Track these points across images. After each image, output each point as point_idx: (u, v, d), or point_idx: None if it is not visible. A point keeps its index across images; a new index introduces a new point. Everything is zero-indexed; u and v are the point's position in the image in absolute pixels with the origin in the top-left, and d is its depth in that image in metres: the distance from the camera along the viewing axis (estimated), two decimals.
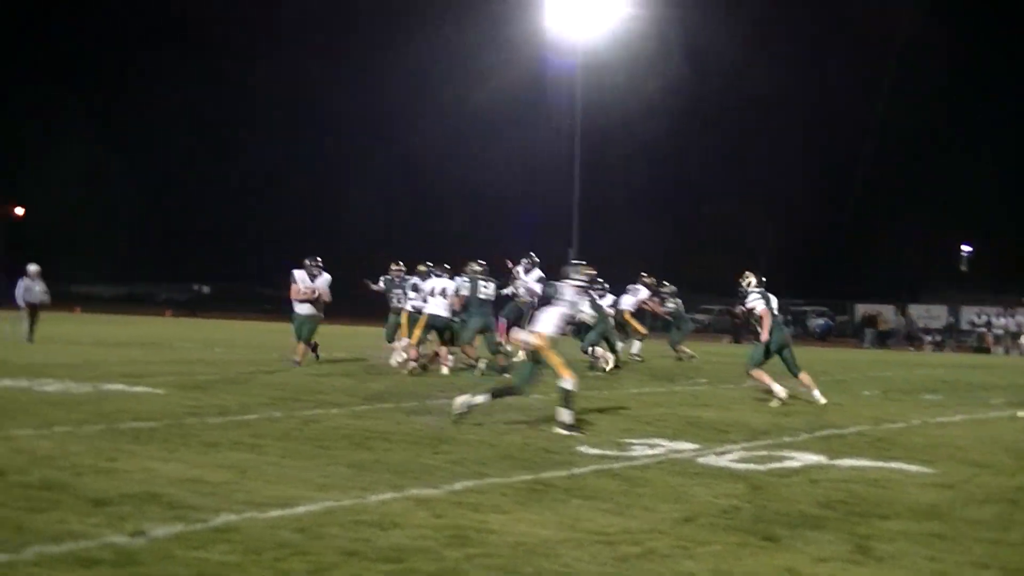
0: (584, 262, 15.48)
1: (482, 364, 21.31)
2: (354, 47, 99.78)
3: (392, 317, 23.91)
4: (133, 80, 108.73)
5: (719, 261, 60.08)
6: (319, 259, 20.79)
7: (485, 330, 21.41)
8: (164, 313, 73.29)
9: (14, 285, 30.78)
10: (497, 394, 13.24)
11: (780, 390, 16.52)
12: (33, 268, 30.02)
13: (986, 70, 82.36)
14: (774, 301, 17.32)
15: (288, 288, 21.68)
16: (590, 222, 59.87)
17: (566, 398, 12.74)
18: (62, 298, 35.13)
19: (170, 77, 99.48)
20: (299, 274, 20.91)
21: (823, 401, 16.57)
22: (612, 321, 24.65)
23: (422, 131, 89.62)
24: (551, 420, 12.86)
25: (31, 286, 30.05)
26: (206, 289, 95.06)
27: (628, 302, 27.38)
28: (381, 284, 25.04)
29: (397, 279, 24.02)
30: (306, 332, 21.46)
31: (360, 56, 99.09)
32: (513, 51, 69.47)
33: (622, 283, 27.94)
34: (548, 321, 13.11)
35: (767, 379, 16.84)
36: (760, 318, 16.98)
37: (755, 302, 17.16)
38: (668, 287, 29.46)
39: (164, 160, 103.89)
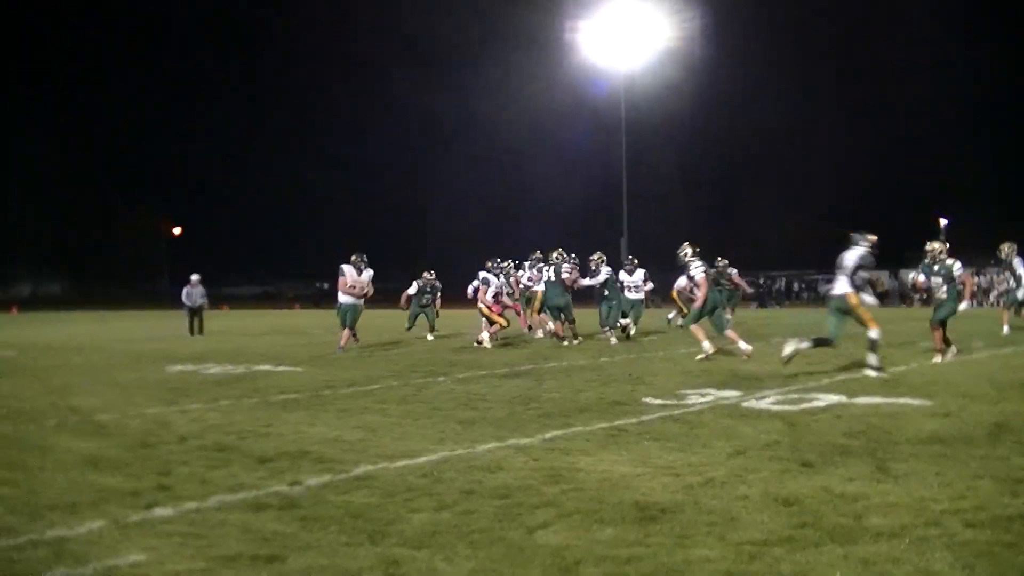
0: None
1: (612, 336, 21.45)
2: (449, 69, 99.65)
3: (415, 309, 25.11)
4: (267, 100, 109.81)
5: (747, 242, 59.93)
6: (365, 256, 20.19)
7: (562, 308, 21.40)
8: (293, 307, 74.04)
9: (178, 290, 31.87)
10: (818, 343, 13.34)
11: (708, 346, 16.51)
12: (195, 277, 30.68)
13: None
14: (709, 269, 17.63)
15: (336, 280, 20.58)
16: (639, 211, 59.43)
17: (872, 346, 13.19)
18: (213, 299, 35.53)
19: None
20: (347, 268, 20.07)
21: (748, 348, 16.62)
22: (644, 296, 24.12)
23: (496, 142, 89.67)
24: (617, 379, 12.97)
25: (192, 291, 30.57)
26: (326, 286, 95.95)
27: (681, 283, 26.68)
28: (414, 287, 25.08)
29: (428, 286, 25.02)
30: (351, 319, 20.28)
31: (453, 78, 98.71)
32: (562, 75, 69.09)
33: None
34: (844, 283, 13.40)
35: (701, 335, 16.69)
36: (699, 285, 16.80)
37: (696, 271, 16.97)
38: (722, 262, 26.35)
39: (290, 179, 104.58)
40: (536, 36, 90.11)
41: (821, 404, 10.48)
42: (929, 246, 15.64)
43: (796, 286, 66.34)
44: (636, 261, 23.75)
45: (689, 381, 13.10)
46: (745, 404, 10.75)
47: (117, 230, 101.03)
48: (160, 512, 6.24)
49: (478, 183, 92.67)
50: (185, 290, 30.81)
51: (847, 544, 5.18)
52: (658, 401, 11.17)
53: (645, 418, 9.90)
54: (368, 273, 20.05)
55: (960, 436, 8.35)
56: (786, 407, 10.35)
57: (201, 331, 29.92)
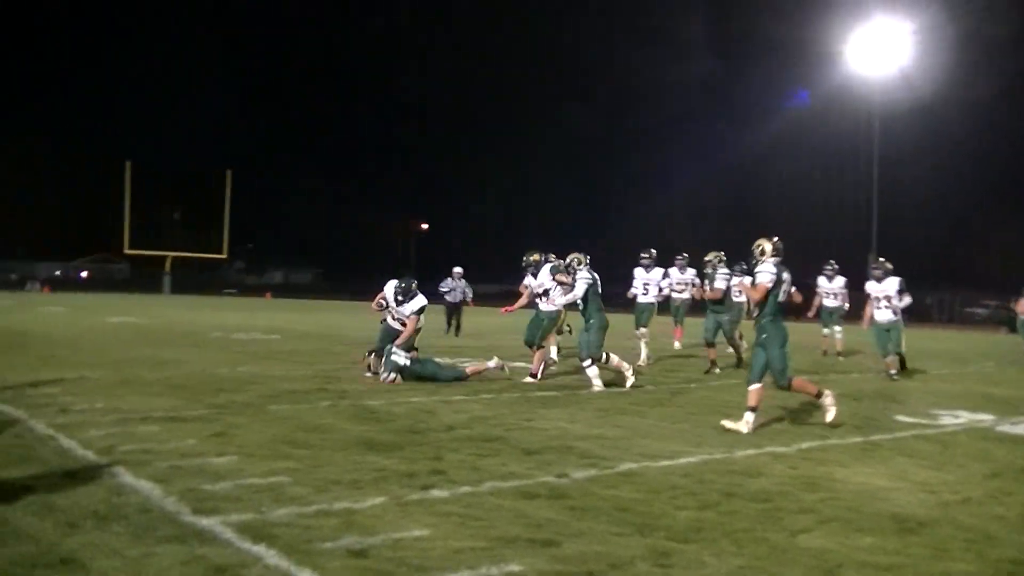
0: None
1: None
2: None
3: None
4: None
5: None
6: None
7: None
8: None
9: (435, 284, 27.48)
10: None
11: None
12: (457, 269, 27.54)
13: None
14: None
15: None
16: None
17: None
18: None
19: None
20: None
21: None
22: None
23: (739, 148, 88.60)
24: (868, 396, 13.03)
25: (454, 286, 27.37)
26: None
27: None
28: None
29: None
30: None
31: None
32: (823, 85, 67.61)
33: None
34: None
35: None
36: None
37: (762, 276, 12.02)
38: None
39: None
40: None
41: None
42: None
43: None
44: (836, 266, 21.44)
45: (942, 402, 13.06)
46: (999, 428, 10.82)
47: (365, 224, 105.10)
48: (437, 494, 6.79)
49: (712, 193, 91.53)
50: (445, 283, 27.34)
51: None
52: (911, 419, 11.28)
53: (899, 435, 10.12)
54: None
55: None
56: None
57: (458, 330, 26.72)
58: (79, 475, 7.15)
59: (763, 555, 5.45)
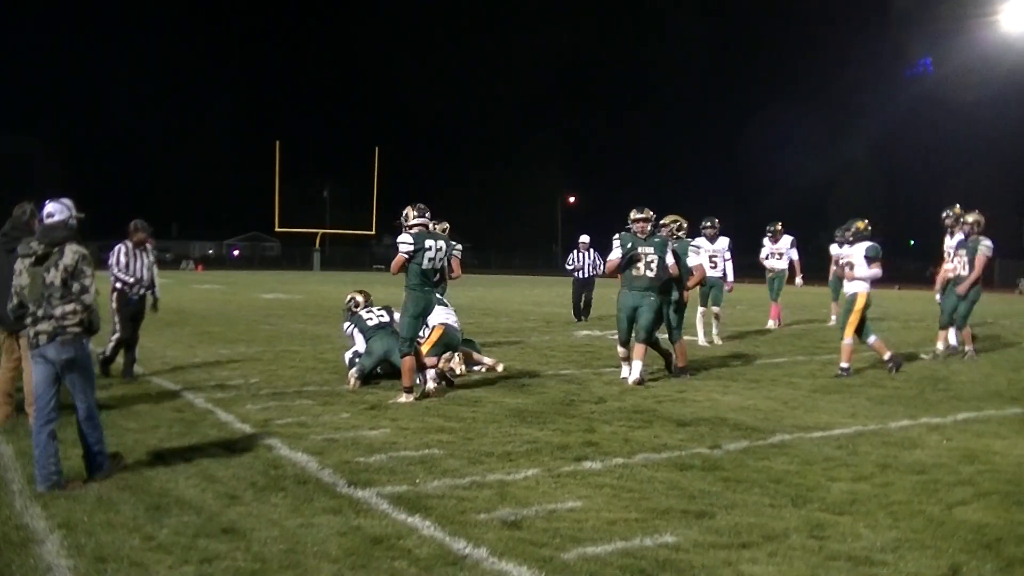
0: None
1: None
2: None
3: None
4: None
5: None
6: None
7: None
8: None
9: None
10: None
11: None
12: (584, 239, 22.69)
13: None
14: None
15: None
16: None
17: None
18: None
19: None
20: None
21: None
22: None
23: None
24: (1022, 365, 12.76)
25: (582, 260, 22.47)
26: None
27: None
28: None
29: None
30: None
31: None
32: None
33: None
34: None
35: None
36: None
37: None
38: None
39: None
40: None
41: None
42: None
43: None
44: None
45: None
46: None
47: (515, 198, 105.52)
48: (589, 465, 6.94)
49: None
50: (572, 257, 22.66)
51: None
52: None
53: None
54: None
55: None
56: None
57: (588, 311, 22.17)
58: (238, 448, 7.50)
59: (919, 528, 5.44)
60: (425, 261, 9.98)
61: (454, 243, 10.93)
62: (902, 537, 5.27)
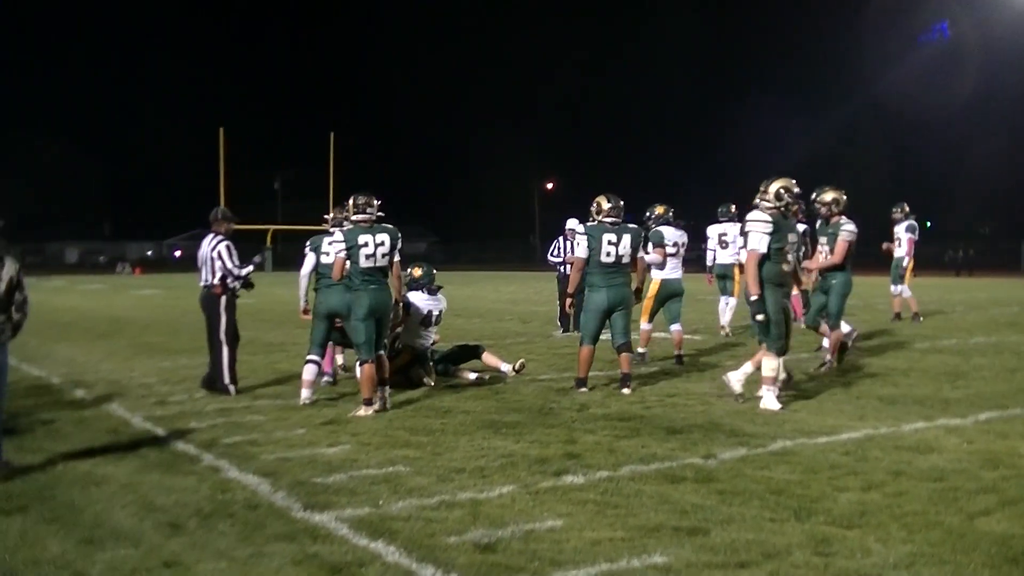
0: None
1: None
2: None
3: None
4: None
5: None
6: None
7: None
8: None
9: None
10: None
11: None
12: (572, 222, 20.50)
13: None
14: None
15: None
16: None
17: None
18: None
19: None
20: None
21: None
22: None
23: None
24: None
25: (568, 247, 21.50)
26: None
27: None
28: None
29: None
30: None
31: None
32: None
33: None
34: None
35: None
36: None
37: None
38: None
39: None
40: None
41: None
42: None
43: None
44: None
45: None
46: None
47: (486, 185, 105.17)
48: (571, 480, 6.93)
49: None
50: (556, 246, 20.67)
51: None
52: None
53: None
54: None
55: None
56: None
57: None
58: (180, 471, 7.46)
59: (937, 541, 5.44)
60: (362, 259, 9.91)
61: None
62: (917, 552, 5.27)
